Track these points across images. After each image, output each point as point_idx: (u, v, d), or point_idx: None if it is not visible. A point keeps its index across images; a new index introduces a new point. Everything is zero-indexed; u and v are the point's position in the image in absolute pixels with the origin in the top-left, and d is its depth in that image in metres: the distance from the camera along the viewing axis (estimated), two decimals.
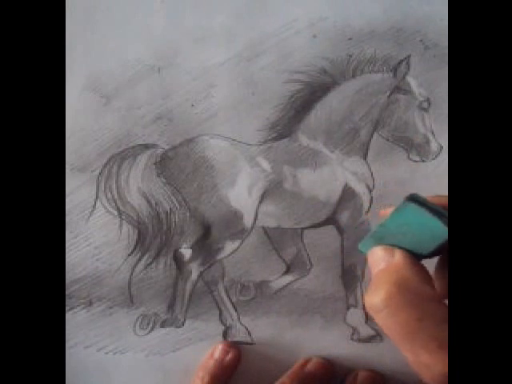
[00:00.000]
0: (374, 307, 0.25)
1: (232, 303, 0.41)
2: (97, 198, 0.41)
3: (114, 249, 0.41)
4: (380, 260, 0.27)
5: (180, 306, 0.41)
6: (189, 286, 0.41)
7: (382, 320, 0.24)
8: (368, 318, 0.41)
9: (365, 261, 0.41)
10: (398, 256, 0.27)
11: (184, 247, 0.41)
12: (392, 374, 0.41)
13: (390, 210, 0.29)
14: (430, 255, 0.28)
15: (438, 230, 0.27)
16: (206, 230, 0.41)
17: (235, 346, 0.40)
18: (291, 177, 0.41)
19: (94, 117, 0.41)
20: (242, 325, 0.41)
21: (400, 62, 0.41)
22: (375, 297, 0.25)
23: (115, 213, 0.41)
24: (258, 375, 0.41)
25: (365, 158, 0.41)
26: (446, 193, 0.28)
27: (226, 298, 0.41)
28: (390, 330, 0.24)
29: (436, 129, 0.41)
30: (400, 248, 0.28)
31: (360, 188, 0.41)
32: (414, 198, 0.28)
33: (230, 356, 0.40)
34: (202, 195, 0.41)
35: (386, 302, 0.24)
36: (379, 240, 0.29)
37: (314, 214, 0.41)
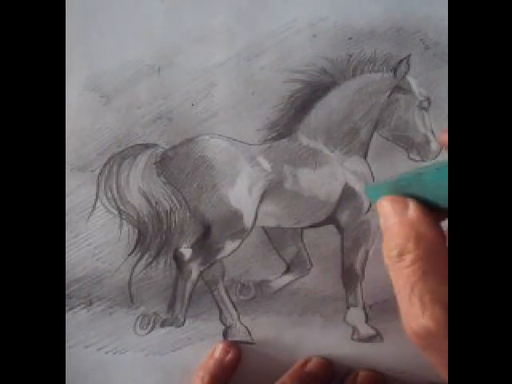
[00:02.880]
0: (391, 260, 0.27)
1: (232, 303, 0.41)
2: (97, 197, 0.41)
3: (114, 248, 0.41)
4: (392, 213, 0.28)
5: (180, 305, 0.41)
6: (189, 286, 0.41)
7: (396, 270, 0.26)
8: (368, 318, 0.41)
9: (364, 259, 0.41)
10: (413, 209, 0.27)
11: (184, 247, 0.41)
12: (392, 373, 0.41)
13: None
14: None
15: None
16: (206, 230, 0.41)
17: (235, 346, 0.40)
18: (291, 176, 0.41)
19: (93, 117, 0.41)
20: (242, 324, 0.41)
21: (400, 62, 0.41)
22: (392, 251, 0.26)
23: (115, 212, 0.41)
24: (258, 375, 0.41)
25: (365, 158, 0.41)
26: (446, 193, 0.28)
27: (226, 298, 0.41)
28: (398, 279, 0.26)
29: (436, 128, 0.41)
30: (413, 198, 0.27)
31: (360, 188, 0.41)
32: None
33: (230, 356, 0.40)
34: (202, 195, 0.41)
35: (400, 256, 0.26)
36: (395, 192, 0.28)
37: (314, 214, 0.41)
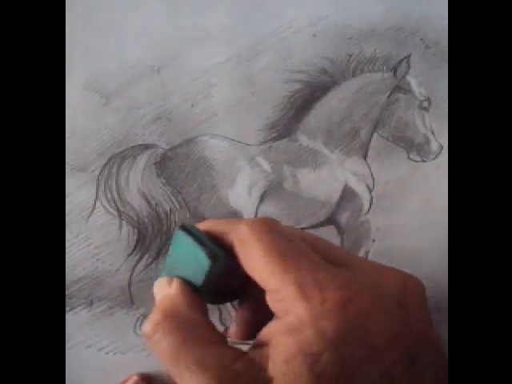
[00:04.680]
0: (146, 334, 0.26)
1: (231, 303, 0.41)
2: (97, 198, 0.41)
3: (114, 249, 0.41)
4: (160, 291, 0.28)
5: None
6: None
7: (154, 346, 0.26)
8: None
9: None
10: (174, 286, 0.28)
11: None
12: None
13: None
14: (205, 288, 0.27)
15: (202, 261, 0.27)
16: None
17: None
18: (291, 177, 0.41)
19: (94, 117, 0.41)
20: None
21: (400, 62, 0.41)
22: (146, 325, 0.26)
23: (115, 213, 0.41)
24: None
25: (365, 158, 0.41)
26: (446, 193, 0.28)
27: None
28: (161, 355, 0.25)
29: (436, 128, 0.41)
30: (180, 278, 0.28)
31: (360, 188, 0.41)
32: (183, 227, 0.27)
33: None
34: (202, 195, 0.41)
35: (154, 329, 0.25)
36: (169, 272, 0.29)
37: (313, 214, 0.41)
